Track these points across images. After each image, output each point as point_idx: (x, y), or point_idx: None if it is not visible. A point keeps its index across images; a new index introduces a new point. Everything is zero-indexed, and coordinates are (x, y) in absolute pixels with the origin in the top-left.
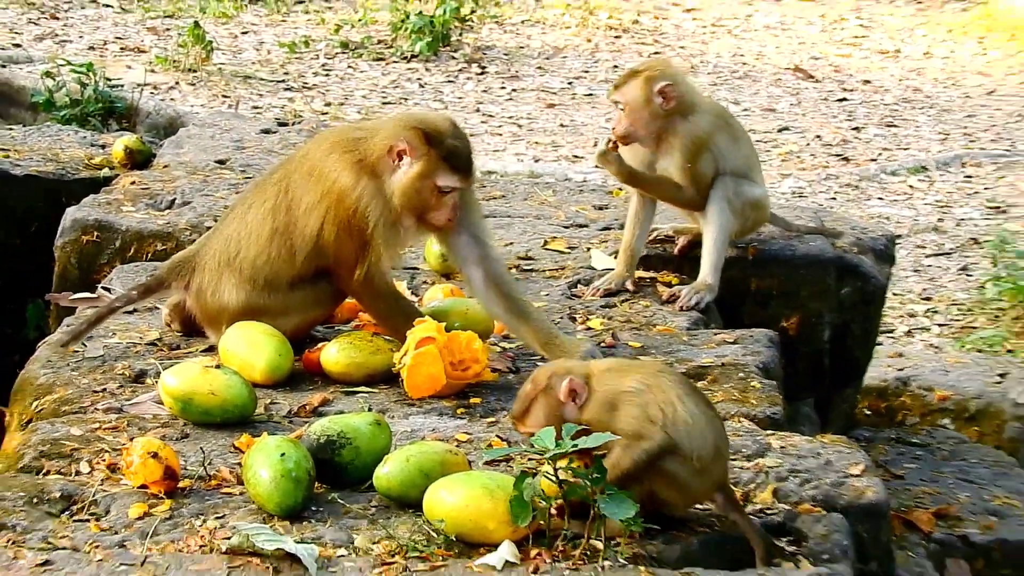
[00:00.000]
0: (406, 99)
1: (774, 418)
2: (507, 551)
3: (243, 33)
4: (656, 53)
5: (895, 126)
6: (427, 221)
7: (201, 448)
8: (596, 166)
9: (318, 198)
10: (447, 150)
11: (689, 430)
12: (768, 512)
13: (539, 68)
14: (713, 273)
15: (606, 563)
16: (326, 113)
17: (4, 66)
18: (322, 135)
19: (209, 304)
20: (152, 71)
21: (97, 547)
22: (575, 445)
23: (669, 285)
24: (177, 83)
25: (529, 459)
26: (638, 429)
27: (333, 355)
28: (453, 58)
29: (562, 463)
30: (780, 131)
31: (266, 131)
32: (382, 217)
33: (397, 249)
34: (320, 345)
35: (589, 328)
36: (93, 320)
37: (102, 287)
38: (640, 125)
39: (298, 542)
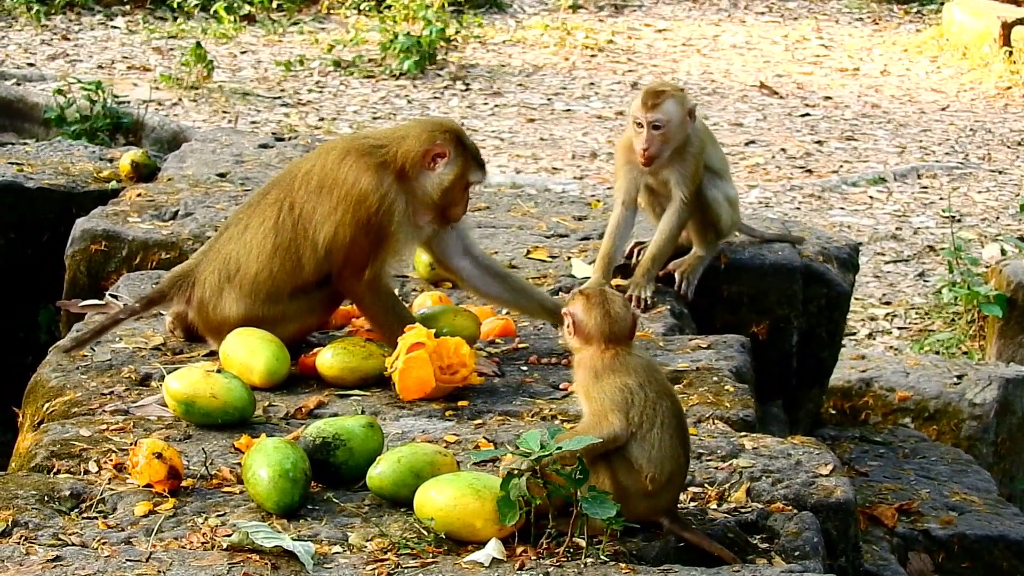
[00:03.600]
0: (395, 114)
1: (747, 420)
2: (494, 548)
3: (242, 52)
4: (630, 71)
5: (855, 140)
6: (446, 216)
7: (203, 449)
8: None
9: (335, 204)
10: (474, 150)
11: (652, 452)
12: (742, 511)
13: (520, 85)
14: (648, 268)
15: (588, 560)
16: (319, 128)
17: (19, 84)
18: (325, 150)
19: (211, 316)
20: (157, 88)
21: (105, 544)
22: (559, 448)
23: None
24: (180, 100)
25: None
26: (607, 412)
27: (328, 360)
28: (439, 76)
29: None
30: (747, 144)
31: (264, 146)
32: (405, 215)
33: (412, 246)
34: (315, 350)
35: None
36: (98, 329)
37: (110, 294)
38: (672, 144)
39: (295, 539)
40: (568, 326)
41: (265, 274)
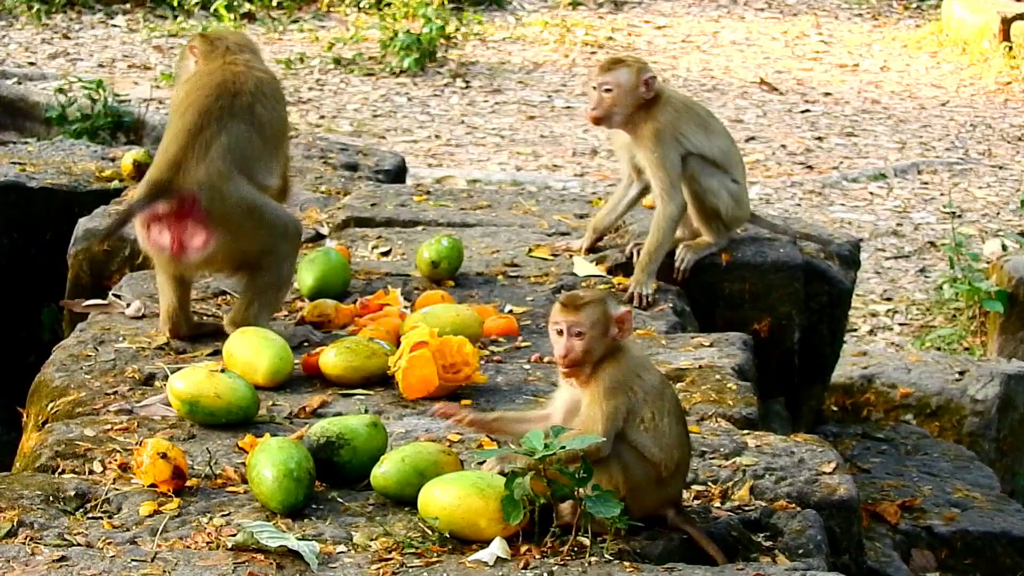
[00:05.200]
0: (395, 112)
1: (749, 418)
2: (498, 547)
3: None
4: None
5: (855, 136)
6: None
7: (207, 448)
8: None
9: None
10: None
11: (664, 440)
12: (745, 509)
13: (520, 82)
14: (645, 264)
15: (592, 559)
16: (320, 126)
17: (20, 83)
18: None
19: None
20: (158, 87)
21: (110, 543)
22: (562, 447)
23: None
24: None
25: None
26: (608, 430)
27: (331, 359)
28: (439, 73)
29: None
30: (747, 141)
31: None
32: None
33: None
34: (319, 350)
35: None
36: (121, 220)
37: (113, 293)
38: (620, 109)
39: (300, 539)
40: (625, 327)
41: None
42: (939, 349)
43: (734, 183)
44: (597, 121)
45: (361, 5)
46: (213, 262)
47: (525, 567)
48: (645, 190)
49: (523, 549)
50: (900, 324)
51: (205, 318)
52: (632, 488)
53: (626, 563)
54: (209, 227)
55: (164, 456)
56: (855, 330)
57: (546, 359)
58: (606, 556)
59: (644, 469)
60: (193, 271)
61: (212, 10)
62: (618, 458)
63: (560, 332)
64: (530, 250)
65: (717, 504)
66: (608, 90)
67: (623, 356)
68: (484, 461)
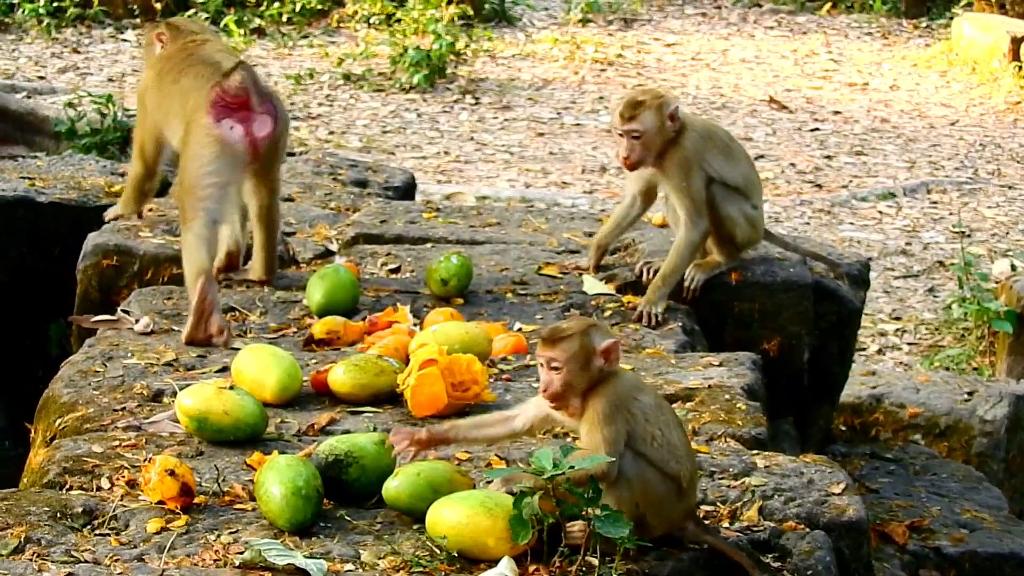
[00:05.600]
0: (404, 128)
1: (759, 438)
2: (506, 567)
3: (252, 66)
4: (639, 85)
5: (864, 155)
6: None
7: (215, 465)
8: None
9: None
10: None
11: (677, 452)
12: (754, 529)
13: (529, 99)
14: (659, 286)
15: None
16: (329, 141)
17: (29, 97)
18: None
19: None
20: None
21: (117, 560)
22: (571, 466)
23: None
24: None
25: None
26: (612, 415)
27: (340, 376)
28: (448, 89)
29: (558, 482)
30: (757, 159)
31: None
32: None
33: None
34: (327, 367)
35: None
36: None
37: (122, 309)
38: (652, 149)
39: (307, 557)
40: (612, 357)
41: None
42: (948, 369)
43: (753, 208)
44: (633, 167)
45: (371, 21)
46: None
47: None
48: (647, 206)
49: (531, 569)
50: (909, 344)
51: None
52: (656, 505)
53: None
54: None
55: (172, 473)
56: (864, 349)
57: None
58: None
59: (665, 485)
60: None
61: (222, 25)
62: (639, 477)
63: (542, 365)
64: (539, 268)
65: (726, 524)
66: (636, 136)
67: (615, 381)
68: (492, 480)
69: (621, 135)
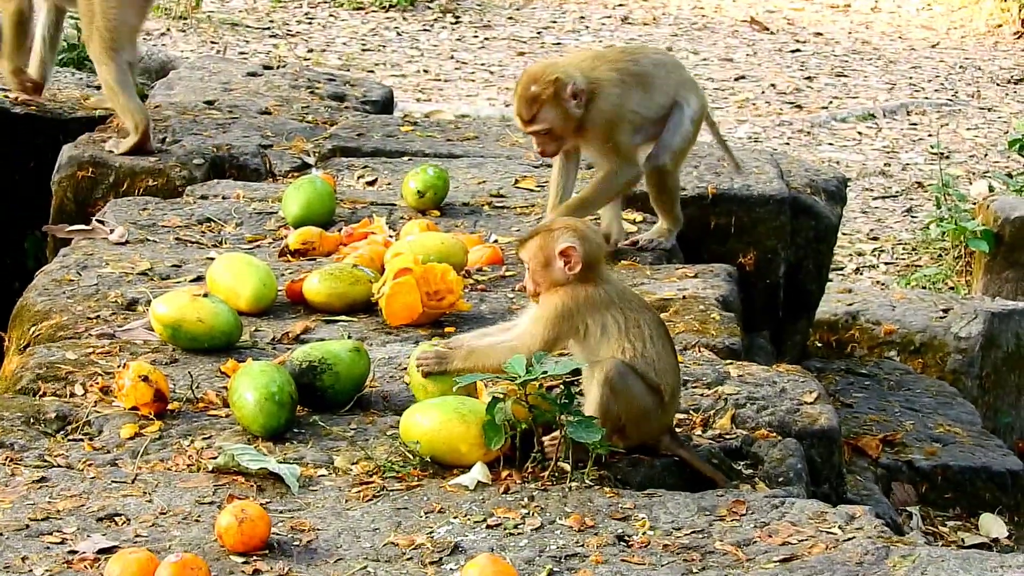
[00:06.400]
0: (384, 47)
1: (733, 348)
2: (479, 472)
3: None
4: (620, 5)
5: (845, 76)
6: None
7: (189, 372)
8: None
9: None
10: None
11: (657, 365)
12: (727, 437)
13: (510, 18)
14: (570, 209)
15: (573, 484)
16: (308, 59)
17: None
18: None
19: None
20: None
21: (90, 465)
22: (544, 372)
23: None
24: (168, 30)
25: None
26: (557, 318)
27: (315, 285)
28: (429, 8)
29: (531, 388)
30: (737, 80)
31: (252, 74)
32: None
33: None
34: (303, 276)
35: None
36: None
37: (96, 219)
38: (566, 134)
39: (280, 462)
40: (568, 263)
41: None
42: (924, 288)
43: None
44: (553, 155)
45: None
46: None
47: (505, 492)
48: (579, 161)
49: (504, 474)
50: (886, 263)
51: None
52: (638, 416)
53: (606, 488)
54: None
55: (145, 379)
56: (841, 269)
57: None
58: (587, 482)
59: (649, 396)
60: None
61: None
62: (627, 388)
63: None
64: (517, 181)
65: (699, 432)
66: (546, 132)
67: (578, 289)
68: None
69: (528, 134)
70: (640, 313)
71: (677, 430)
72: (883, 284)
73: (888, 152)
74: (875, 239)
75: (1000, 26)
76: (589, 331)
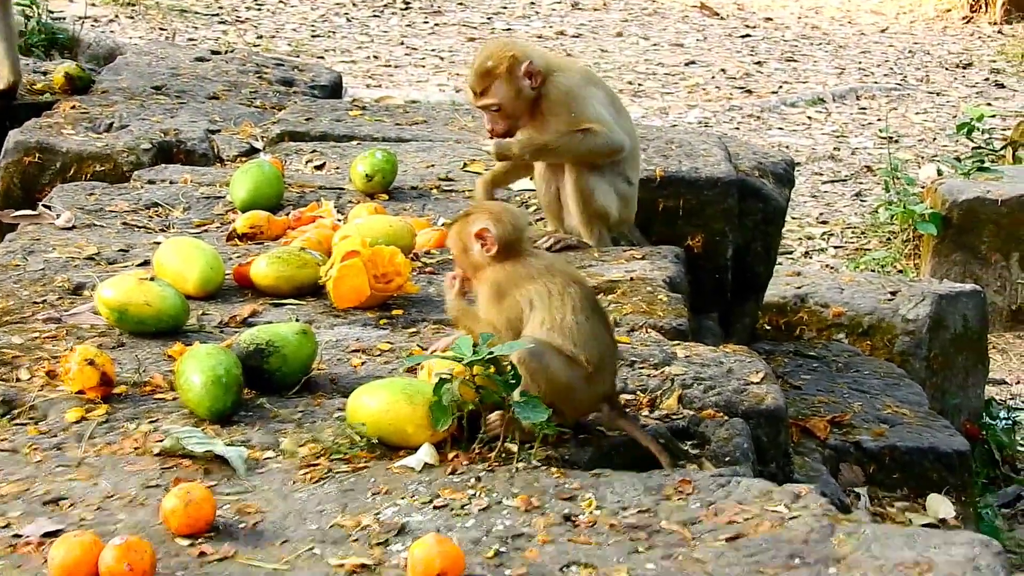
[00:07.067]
0: (334, 32)
1: (680, 329)
2: (426, 453)
3: None
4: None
5: (795, 61)
6: None
7: (136, 356)
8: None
9: None
10: None
11: (575, 336)
12: (674, 417)
13: (460, 4)
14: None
15: (520, 465)
16: (257, 46)
17: None
18: None
19: None
20: (93, 4)
21: (36, 449)
22: (491, 353)
23: None
24: (116, 16)
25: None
26: (496, 295)
27: (262, 269)
28: None
29: (478, 369)
30: (687, 65)
31: (200, 59)
32: None
33: None
34: (250, 259)
35: None
36: None
37: (43, 205)
38: (518, 114)
39: (227, 444)
40: (484, 245)
41: None
42: (873, 271)
43: (627, 184)
44: (504, 136)
45: None
46: None
47: (452, 473)
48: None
49: (451, 455)
50: (835, 247)
51: None
52: (562, 390)
53: (553, 469)
54: None
55: (91, 363)
56: (791, 253)
57: None
58: (533, 463)
59: (570, 369)
60: None
61: None
62: (543, 366)
63: None
64: (465, 164)
65: (646, 412)
66: (496, 109)
67: (499, 268)
68: (414, 367)
69: (480, 108)
70: (565, 285)
71: (626, 410)
72: (832, 267)
73: (838, 136)
74: (824, 223)
75: (949, 11)
76: (520, 306)
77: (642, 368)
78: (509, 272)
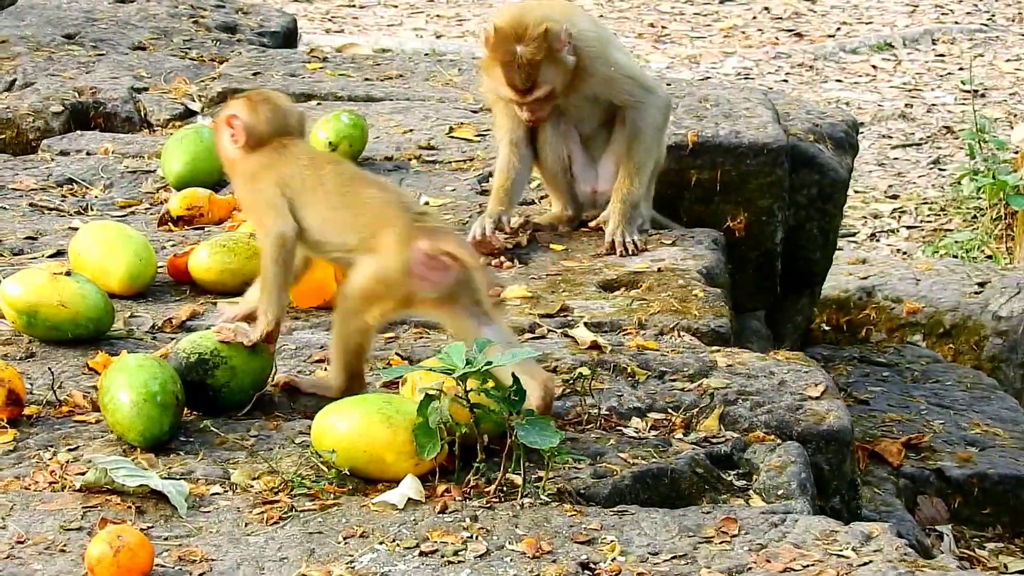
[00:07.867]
0: None
1: (719, 332)
2: (410, 487)
3: None
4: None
5: None
6: None
7: (50, 369)
8: None
9: None
10: None
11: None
12: (714, 441)
13: None
14: (625, 200)
15: (526, 500)
16: None
17: None
18: None
19: None
20: None
21: None
22: (489, 363)
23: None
24: None
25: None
26: (263, 215)
27: (204, 260)
28: None
29: (472, 383)
30: (722, 2)
31: (121, 0)
32: None
33: None
34: (188, 249)
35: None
36: None
37: None
38: (558, 94)
39: (164, 478)
40: (233, 134)
41: None
42: (955, 257)
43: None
44: (540, 122)
45: None
46: None
47: (443, 511)
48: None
49: (440, 489)
50: (908, 227)
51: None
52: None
53: (567, 506)
54: None
55: None
56: (853, 234)
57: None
58: (543, 497)
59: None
60: None
61: None
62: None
63: None
64: (451, 129)
65: (679, 435)
66: (548, 95)
67: (251, 158)
68: (392, 381)
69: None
70: (317, 167)
71: (654, 433)
72: (905, 253)
73: (910, 90)
74: (894, 197)
75: None
76: (275, 190)
77: (674, 381)
78: (260, 162)
